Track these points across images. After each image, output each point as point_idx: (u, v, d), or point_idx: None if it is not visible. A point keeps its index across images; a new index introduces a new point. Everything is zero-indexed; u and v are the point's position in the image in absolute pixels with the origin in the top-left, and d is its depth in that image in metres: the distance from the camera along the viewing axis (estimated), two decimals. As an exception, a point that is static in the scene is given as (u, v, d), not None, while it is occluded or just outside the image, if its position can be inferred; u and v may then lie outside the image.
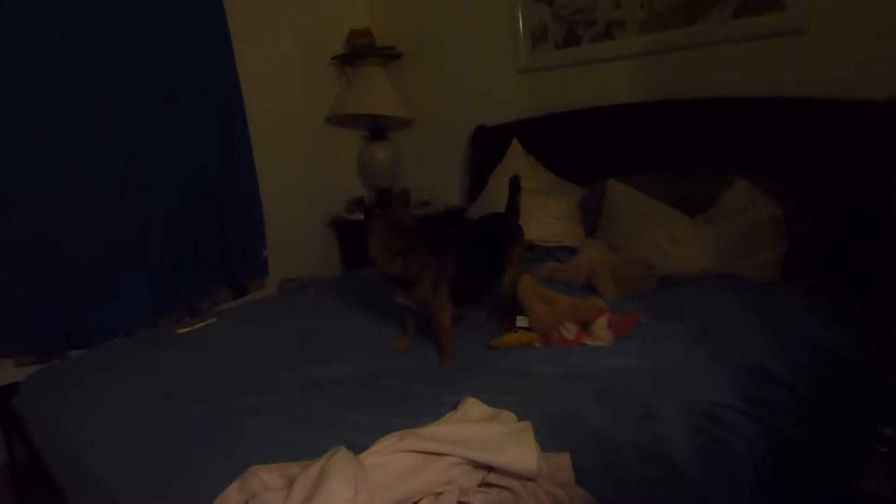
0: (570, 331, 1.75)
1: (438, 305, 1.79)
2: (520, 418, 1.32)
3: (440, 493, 1.13)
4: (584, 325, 1.75)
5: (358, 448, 1.22)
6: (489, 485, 1.16)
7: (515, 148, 3.09)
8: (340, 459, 1.13)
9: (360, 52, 3.67)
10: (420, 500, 1.12)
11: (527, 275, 1.92)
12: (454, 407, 1.41)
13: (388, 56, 3.74)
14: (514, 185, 2.09)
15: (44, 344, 2.76)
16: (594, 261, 2.06)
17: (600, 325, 1.71)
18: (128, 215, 2.92)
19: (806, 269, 2.08)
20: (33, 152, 2.64)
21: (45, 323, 2.72)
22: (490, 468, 1.17)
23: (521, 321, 1.80)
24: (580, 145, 2.92)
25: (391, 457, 1.16)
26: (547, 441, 1.24)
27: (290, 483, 1.15)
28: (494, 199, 2.95)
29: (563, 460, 1.23)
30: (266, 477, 1.21)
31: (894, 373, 1.97)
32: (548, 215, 2.71)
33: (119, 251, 2.91)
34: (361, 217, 3.47)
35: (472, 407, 1.40)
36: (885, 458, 1.86)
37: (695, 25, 2.58)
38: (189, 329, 2.27)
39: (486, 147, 3.33)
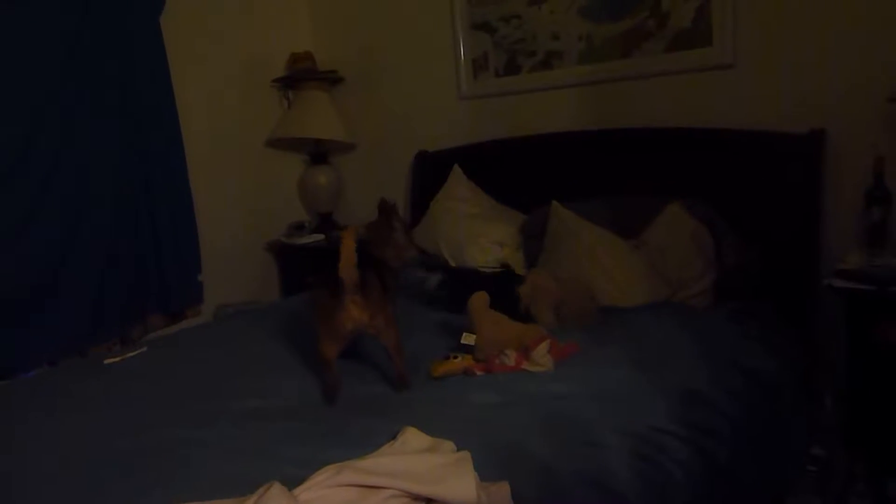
0: (510, 357, 1.75)
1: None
2: (460, 447, 1.30)
3: (378, 528, 1.10)
4: (525, 352, 1.75)
5: (293, 482, 1.18)
6: (428, 517, 1.14)
7: (456, 173, 3.11)
8: (274, 495, 1.09)
9: (301, 76, 3.64)
10: (357, 535, 1.09)
11: (481, 292, 1.89)
12: (393, 436, 1.38)
13: (330, 80, 3.72)
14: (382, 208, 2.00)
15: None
16: (537, 288, 2.07)
17: (541, 351, 1.71)
18: (53, 236, 2.78)
19: (738, 295, 2.15)
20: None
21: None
22: (428, 500, 1.14)
23: (466, 338, 1.78)
24: (521, 172, 2.96)
25: (327, 491, 1.12)
26: (487, 470, 1.23)
27: (221, 521, 1.11)
28: (436, 224, 2.97)
29: (503, 490, 1.21)
30: (195, 515, 1.15)
31: (823, 395, 2.04)
32: (489, 241, 2.72)
33: (43, 274, 2.77)
34: (306, 241, 3.45)
35: (412, 437, 1.37)
36: (813, 477, 1.92)
37: (629, 58, 2.66)
38: (119, 359, 2.17)
39: (428, 172, 3.34)
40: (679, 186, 2.38)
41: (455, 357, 1.79)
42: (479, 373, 1.74)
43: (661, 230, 2.27)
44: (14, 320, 2.68)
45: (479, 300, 1.82)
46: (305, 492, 1.14)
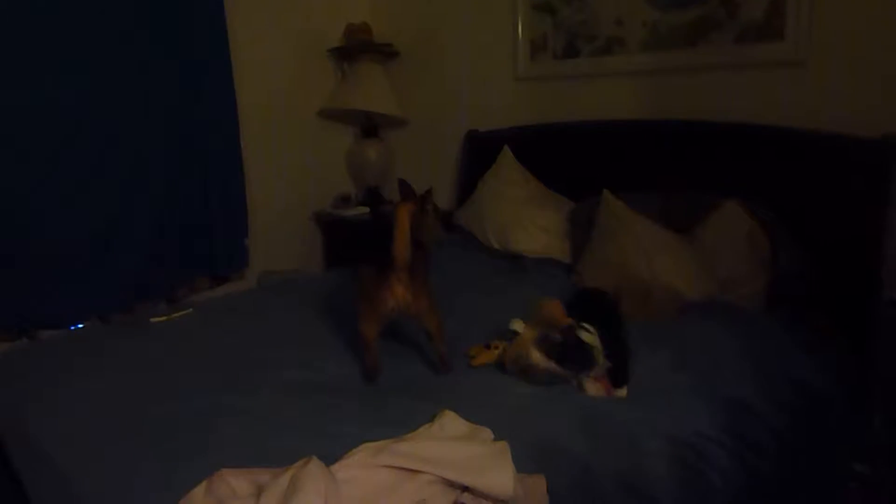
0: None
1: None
2: (498, 437, 1.29)
3: (412, 512, 1.10)
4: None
5: (331, 457, 1.19)
6: (463, 505, 1.14)
7: (506, 155, 3.07)
8: (312, 470, 1.10)
9: (357, 48, 3.63)
10: (392, 517, 1.10)
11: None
12: (431, 419, 1.38)
13: (386, 53, 3.70)
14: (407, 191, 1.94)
15: (13, 322, 2.68)
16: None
17: (592, 388, 1.62)
18: (108, 196, 2.85)
19: (792, 302, 2.08)
20: (10, 130, 2.57)
21: (15, 300, 2.65)
22: (465, 488, 1.14)
23: (516, 324, 1.74)
24: (572, 158, 2.91)
25: (365, 471, 1.13)
26: (523, 462, 1.22)
27: (259, 491, 1.12)
28: (482, 205, 2.94)
29: (539, 484, 1.21)
30: (234, 482, 1.17)
31: (873, 413, 1.97)
32: (535, 226, 2.69)
33: (98, 232, 2.84)
34: (351, 213, 3.46)
35: (450, 421, 1.37)
36: (856, 494, 1.87)
37: (695, 48, 2.57)
38: (165, 318, 2.22)
39: (478, 152, 3.31)
40: (737, 185, 2.30)
41: (496, 347, 1.77)
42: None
43: (716, 228, 2.21)
44: (69, 274, 2.76)
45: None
46: (343, 469, 1.14)
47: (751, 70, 2.44)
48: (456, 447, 1.20)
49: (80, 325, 2.81)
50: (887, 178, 2.07)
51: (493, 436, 1.33)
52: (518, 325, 1.71)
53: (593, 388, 1.60)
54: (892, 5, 2.10)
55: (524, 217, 2.75)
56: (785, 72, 2.36)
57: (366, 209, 3.63)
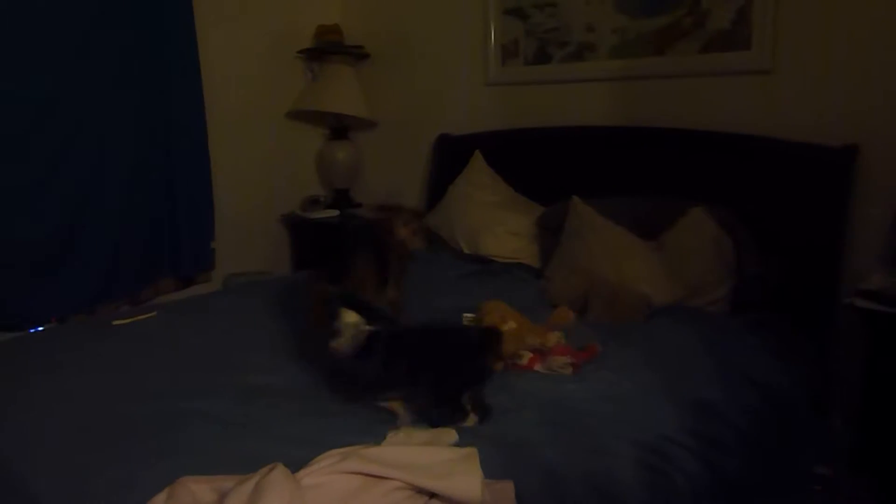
0: (524, 357, 1.71)
1: None
2: (465, 444, 1.28)
3: (379, 519, 1.08)
4: (543, 354, 1.71)
5: (296, 464, 1.17)
6: (430, 511, 1.12)
7: (477, 159, 3.07)
8: (277, 477, 1.07)
9: (327, 49, 3.60)
10: (358, 524, 1.08)
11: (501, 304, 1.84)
12: (395, 425, 1.38)
13: (356, 55, 3.68)
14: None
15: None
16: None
17: (560, 362, 1.68)
18: (71, 195, 2.79)
19: (756, 306, 2.11)
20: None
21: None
22: (432, 494, 1.13)
23: (467, 320, 1.75)
24: (542, 163, 2.92)
25: (331, 477, 1.11)
26: (492, 468, 1.21)
27: (222, 498, 1.09)
28: (452, 209, 2.94)
29: (507, 489, 1.20)
30: (196, 489, 1.14)
31: (834, 414, 2.01)
32: (505, 231, 2.70)
33: (59, 232, 2.78)
34: (319, 216, 3.44)
35: (414, 429, 1.36)
36: (818, 497, 1.90)
37: (663, 56, 2.60)
38: (128, 321, 2.17)
39: (449, 156, 3.30)
40: (703, 191, 2.33)
41: None
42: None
43: (681, 233, 2.24)
44: (29, 275, 2.69)
45: (497, 303, 1.77)
46: (309, 476, 1.12)
47: (717, 78, 2.49)
48: (423, 453, 1.19)
49: (40, 328, 2.73)
50: (847, 185, 2.13)
51: (456, 437, 1.33)
52: (468, 321, 1.72)
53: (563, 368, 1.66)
54: (857, 15, 2.16)
55: (494, 221, 2.76)
56: (751, 80, 2.40)
57: (335, 212, 3.60)
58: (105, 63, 2.81)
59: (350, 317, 1.42)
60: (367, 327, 1.42)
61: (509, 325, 1.68)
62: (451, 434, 1.35)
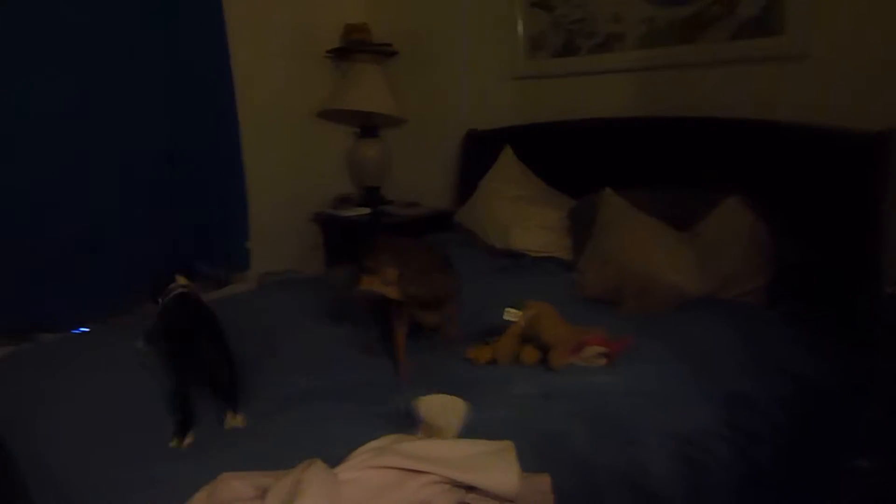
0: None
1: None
2: (500, 436, 1.28)
3: (416, 512, 1.10)
4: (578, 347, 1.69)
5: (333, 459, 1.19)
6: (467, 505, 1.13)
7: (507, 154, 3.07)
8: (316, 472, 1.09)
9: (354, 48, 3.63)
10: (395, 518, 1.09)
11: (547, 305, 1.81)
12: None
13: (384, 53, 3.70)
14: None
15: (13, 325, 2.68)
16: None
17: (592, 352, 1.67)
18: (106, 198, 2.86)
19: (793, 297, 2.07)
20: (9, 131, 2.57)
21: (14, 304, 2.66)
22: (469, 488, 1.14)
23: (509, 314, 1.75)
24: (572, 156, 2.90)
25: (367, 472, 1.13)
26: (527, 460, 1.22)
27: (262, 494, 1.12)
28: (483, 205, 2.94)
29: (543, 482, 1.20)
30: (237, 485, 1.17)
31: (872, 404, 1.97)
32: (536, 225, 2.69)
33: (96, 234, 2.85)
34: (350, 214, 3.48)
35: (428, 402, 1.40)
36: (856, 488, 1.86)
37: (693, 44, 2.57)
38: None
39: (478, 151, 3.31)
40: (737, 180, 2.29)
41: (487, 342, 1.79)
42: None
43: (716, 224, 2.21)
44: (67, 277, 2.77)
45: (548, 310, 1.77)
46: (346, 470, 1.14)
47: (749, 65, 2.44)
48: (459, 446, 1.20)
49: (84, 329, 2.81)
50: (886, 171, 2.07)
51: (464, 405, 1.38)
52: (511, 315, 1.72)
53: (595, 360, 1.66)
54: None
55: (525, 215, 2.75)
56: (784, 66, 2.35)
57: (366, 209, 3.63)
58: (135, 65, 2.87)
59: None
60: None
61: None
62: (458, 402, 1.39)
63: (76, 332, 2.75)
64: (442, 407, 1.37)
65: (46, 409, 1.64)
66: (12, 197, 2.61)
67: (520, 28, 3.13)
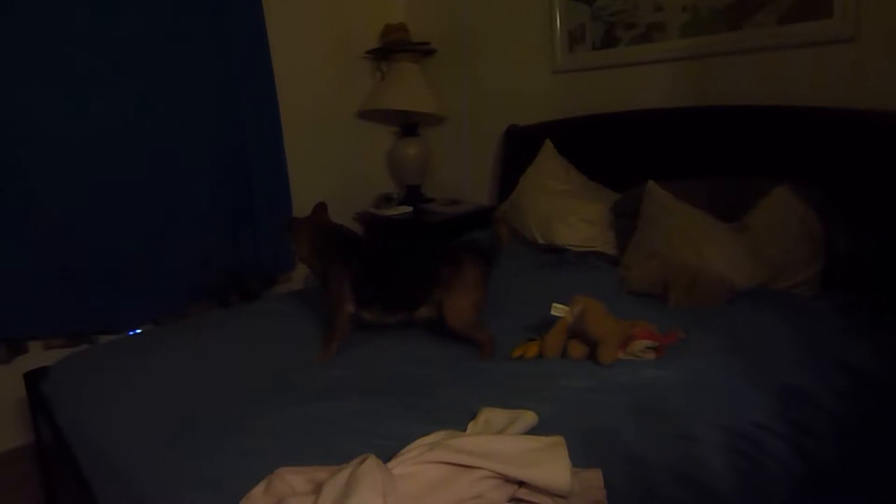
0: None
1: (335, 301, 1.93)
2: (548, 431, 1.29)
3: (468, 507, 1.11)
4: (626, 341, 1.69)
5: (385, 454, 1.21)
6: (519, 500, 1.14)
7: (548, 148, 3.06)
8: (369, 467, 1.11)
9: (394, 48, 3.65)
10: (448, 512, 1.10)
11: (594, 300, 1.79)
12: (473, 416, 1.39)
13: (423, 52, 3.71)
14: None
15: (73, 328, 2.79)
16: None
17: (640, 346, 1.65)
18: (158, 205, 2.93)
19: (848, 287, 2.02)
20: (65, 141, 2.66)
21: (75, 308, 2.75)
22: (521, 483, 1.14)
23: (557, 309, 1.74)
24: (614, 149, 2.87)
25: (420, 467, 1.14)
26: (577, 455, 1.22)
27: (317, 488, 1.14)
28: (524, 200, 2.93)
29: (595, 477, 1.20)
30: (292, 480, 1.20)
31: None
32: (579, 219, 2.67)
33: (149, 240, 2.93)
34: (392, 213, 3.52)
35: (492, 415, 1.38)
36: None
37: (738, 31, 2.51)
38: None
39: (518, 147, 3.30)
40: (785, 169, 2.24)
41: (532, 339, 1.79)
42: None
43: (765, 214, 2.16)
44: (123, 280, 2.86)
45: (596, 306, 1.75)
46: (399, 465, 1.16)
47: (797, 50, 2.37)
48: (510, 442, 1.21)
49: (138, 331, 2.90)
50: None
51: (536, 417, 1.36)
52: (557, 310, 1.71)
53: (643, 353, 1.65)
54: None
55: (567, 210, 2.73)
56: (833, 49, 2.28)
57: (408, 208, 3.65)
58: (183, 75, 2.94)
59: None
60: None
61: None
62: (530, 416, 1.36)
63: (131, 333, 2.85)
64: (510, 421, 1.36)
65: (106, 407, 1.70)
66: (71, 205, 2.70)
67: (559, 22, 3.11)
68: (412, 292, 1.92)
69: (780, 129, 2.34)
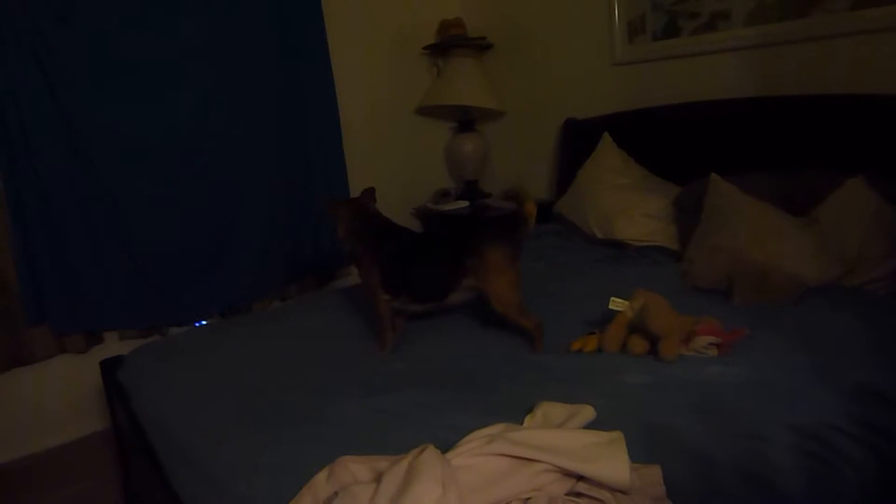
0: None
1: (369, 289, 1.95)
2: (608, 427, 1.28)
3: (528, 500, 1.11)
4: (688, 337, 1.65)
5: (444, 446, 1.22)
6: (578, 494, 1.13)
7: (606, 142, 3.02)
8: (429, 458, 1.13)
9: (451, 43, 3.66)
10: (507, 504, 1.11)
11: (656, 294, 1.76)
12: (530, 410, 1.40)
13: (480, 46, 3.71)
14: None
15: (146, 321, 2.91)
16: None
17: (703, 342, 1.62)
18: (225, 203, 3.03)
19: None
20: (137, 142, 2.77)
21: (147, 301, 2.87)
22: (580, 477, 1.14)
23: (615, 304, 1.72)
24: (676, 142, 2.81)
25: (480, 459, 1.15)
26: (637, 451, 1.21)
27: (378, 477, 1.16)
28: (583, 194, 2.90)
29: (654, 473, 1.19)
30: (354, 469, 1.22)
31: None
32: (641, 213, 2.62)
33: (217, 237, 3.03)
34: (450, 208, 3.54)
35: (551, 408, 1.38)
36: None
37: (808, 17, 2.42)
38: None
39: (576, 141, 3.26)
40: (858, 161, 2.15)
41: (592, 333, 1.77)
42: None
43: (837, 207, 2.08)
44: (192, 275, 2.96)
45: (660, 302, 1.72)
46: (458, 457, 1.17)
47: (870, 36, 2.27)
48: (569, 436, 1.20)
49: (204, 322, 3.00)
50: None
51: (594, 412, 1.35)
52: (616, 305, 1.69)
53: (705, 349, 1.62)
54: None
55: (627, 204, 2.69)
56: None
57: (465, 203, 3.66)
58: (245, 76, 3.02)
59: None
60: None
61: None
62: (588, 410, 1.35)
63: (198, 325, 2.96)
64: (569, 415, 1.35)
65: (178, 394, 1.78)
66: (141, 202, 2.81)
67: (618, 12, 3.06)
68: (438, 283, 1.92)
69: (851, 120, 2.25)
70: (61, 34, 2.54)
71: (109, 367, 2.18)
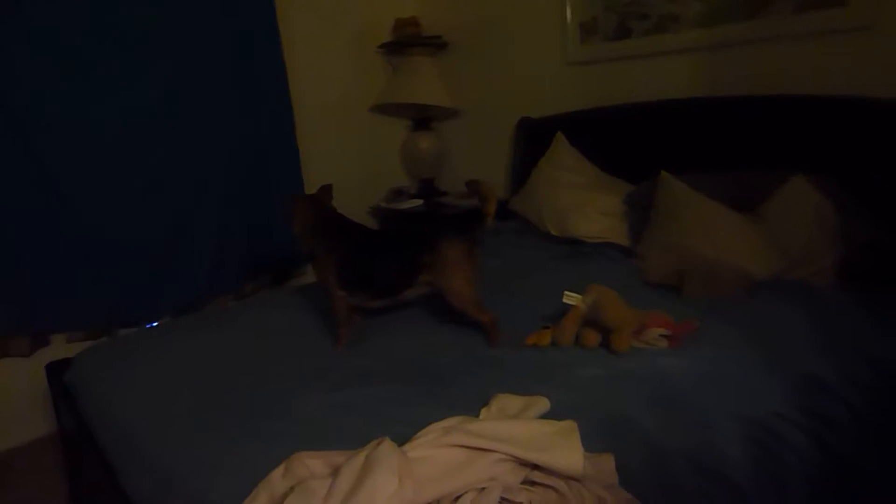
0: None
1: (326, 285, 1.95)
2: (563, 417, 1.30)
3: (483, 489, 1.12)
4: (639, 329, 1.69)
5: (401, 439, 1.22)
6: (533, 483, 1.15)
7: (560, 141, 3.06)
8: (386, 450, 1.13)
9: (406, 41, 3.66)
10: (463, 494, 1.12)
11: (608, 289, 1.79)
12: (486, 402, 1.41)
13: (435, 45, 3.72)
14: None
15: (94, 322, 2.83)
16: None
17: (654, 334, 1.65)
18: (176, 200, 2.96)
19: (865, 278, 2.00)
20: (86, 134, 2.69)
21: (95, 302, 2.79)
22: (534, 466, 1.16)
23: (569, 298, 1.75)
24: (628, 141, 2.87)
25: (437, 451, 1.15)
26: (591, 441, 1.23)
27: (335, 471, 1.16)
28: (538, 192, 2.93)
29: (607, 461, 1.21)
30: (310, 464, 1.22)
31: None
32: (594, 211, 2.66)
33: (167, 235, 2.96)
34: (405, 206, 3.54)
35: (507, 400, 1.40)
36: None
37: (753, 20, 2.50)
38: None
39: (531, 139, 3.30)
40: (801, 159, 2.22)
41: (546, 327, 1.80)
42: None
43: (781, 204, 2.15)
44: (142, 274, 2.89)
45: (611, 295, 1.75)
46: (415, 449, 1.17)
47: (813, 39, 2.36)
48: (524, 426, 1.22)
49: (155, 324, 2.94)
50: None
51: (548, 403, 1.37)
52: (570, 299, 1.72)
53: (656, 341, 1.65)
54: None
55: (581, 202, 2.73)
56: (848, 39, 2.27)
57: (420, 201, 3.66)
58: (198, 70, 2.96)
59: None
60: None
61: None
62: (543, 402, 1.37)
63: (149, 326, 2.89)
64: (524, 407, 1.37)
65: (131, 394, 1.73)
66: (92, 199, 2.73)
67: (570, 14, 3.10)
68: (394, 280, 1.92)
69: (796, 119, 2.33)
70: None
71: (56, 370, 2.11)
